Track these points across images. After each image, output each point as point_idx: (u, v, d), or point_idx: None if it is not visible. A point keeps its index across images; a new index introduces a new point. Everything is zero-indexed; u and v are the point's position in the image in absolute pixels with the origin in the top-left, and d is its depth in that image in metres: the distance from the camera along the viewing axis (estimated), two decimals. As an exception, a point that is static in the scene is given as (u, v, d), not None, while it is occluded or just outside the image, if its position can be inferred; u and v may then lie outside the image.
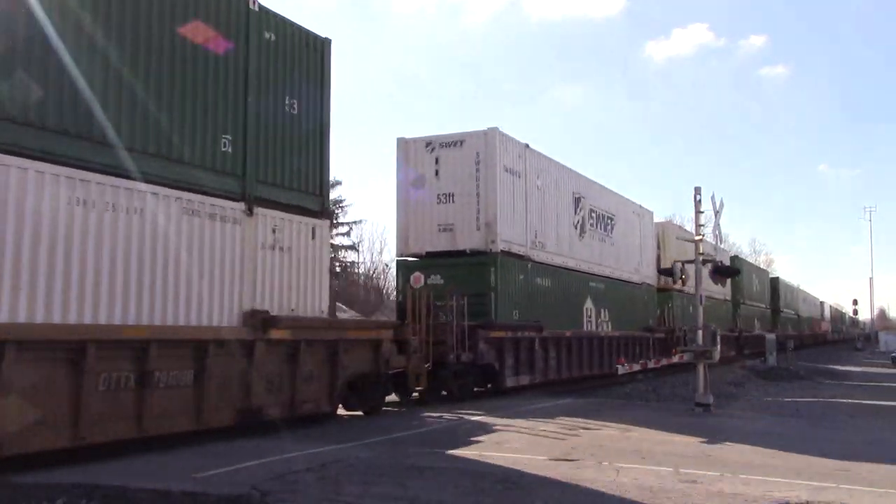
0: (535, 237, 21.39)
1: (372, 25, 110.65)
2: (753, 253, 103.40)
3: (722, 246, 22.02)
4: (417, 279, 19.61)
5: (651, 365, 20.02)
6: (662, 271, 23.33)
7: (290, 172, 12.84)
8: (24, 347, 8.52)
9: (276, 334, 11.78)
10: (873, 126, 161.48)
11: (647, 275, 31.01)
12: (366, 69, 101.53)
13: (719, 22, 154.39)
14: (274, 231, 12.36)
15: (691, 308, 37.93)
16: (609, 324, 26.32)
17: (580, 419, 14.27)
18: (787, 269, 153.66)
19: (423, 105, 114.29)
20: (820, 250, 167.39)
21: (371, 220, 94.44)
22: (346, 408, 14.47)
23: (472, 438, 11.61)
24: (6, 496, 7.34)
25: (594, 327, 25.06)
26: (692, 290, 33.41)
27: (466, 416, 14.43)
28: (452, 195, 19.77)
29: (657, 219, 34.24)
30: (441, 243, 19.79)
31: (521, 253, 20.52)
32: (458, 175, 19.74)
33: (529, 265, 20.83)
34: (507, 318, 19.45)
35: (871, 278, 78.28)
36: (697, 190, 18.61)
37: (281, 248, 12.47)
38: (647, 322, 30.20)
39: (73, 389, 9.02)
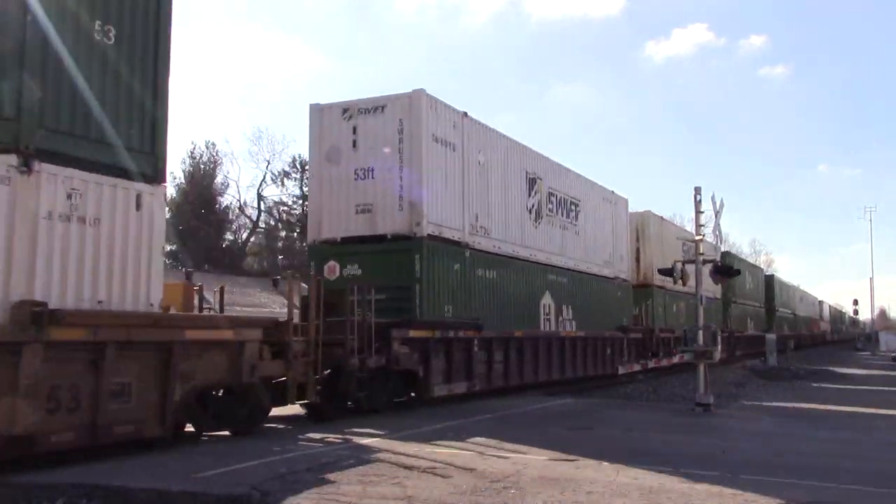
0: (476, 221, 18.30)
1: (372, 25, 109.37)
2: (753, 253, 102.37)
3: (719, 245, 20.77)
4: (332, 269, 16.67)
5: (651, 365, 20.70)
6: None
7: (101, 120, 9.73)
8: None
9: (59, 334, 8.67)
10: (873, 126, 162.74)
11: (622, 269, 27.93)
12: (365, 69, 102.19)
13: (719, 22, 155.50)
14: (70, 196, 9.26)
15: (675, 307, 35.55)
16: (573, 323, 23.23)
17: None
18: (788, 269, 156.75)
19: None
20: (820, 250, 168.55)
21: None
22: (201, 428, 11.42)
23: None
24: (6, 496, 7.33)
25: (553, 326, 21.95)
26: (675, 287, 31.03)
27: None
28: (372, 170, 16.69)
29: (636, 208, 31.25)
30: (359, 227, 16.71)
31: (456, 239, 17.43)
32: (379, 146, 16.67)
33: (467, 253, 17.73)
34: (436, 314, 16.37)
35: (871, 278, 76.06)
36: (697, 190, 18.44)
37: (82, 220, 9.37)
38: (622, 321, 27.09)
39: None
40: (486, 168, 18.93)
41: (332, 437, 11.42)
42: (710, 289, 37.51)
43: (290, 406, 12.87)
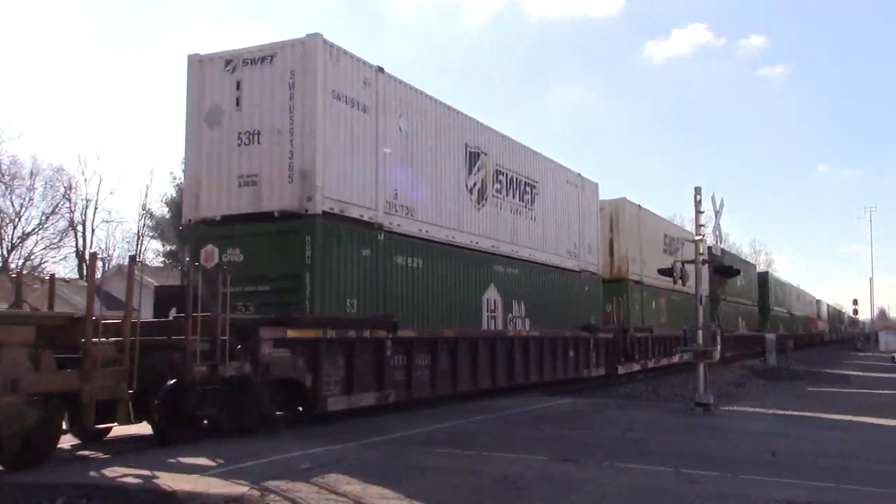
0: (395, 199, 15.27)
1: (371, 26, 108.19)
2: (753, 253, 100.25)
3: (719, 245, 21.46)
4: (209, 255, 13.67)
5: (651, 365, 21.51)
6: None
7: None
8: None
9: None
10: (873, 126, 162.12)
11: (591, 261, 24.89)
12: None
13: (719, 22, 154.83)
14: None
15: (654, 303, 32.53)
16: (526, 321, 20.20)
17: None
18: (788, 270, 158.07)
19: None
20: (820, 250, 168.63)
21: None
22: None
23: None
24: (6, 496, 7.28)
25: (500, 325, 18.92)
26: (655, 283, 28.29)
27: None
28: (258, 134, 13.65)
29: (610, 195, 28.25)
30: (242, 203, 13.68)
31: (366, 219, 14.41)
32: (267, 104, 13.65)
33: (381, 237, 14.70)
34: (336, 309, 13.36)
35: (871, 278, 75.45)
36: (697, 190, 18.42)
37: None
38: (589, 319, 24.06)
39: None
40: (410, 136, 15.89)
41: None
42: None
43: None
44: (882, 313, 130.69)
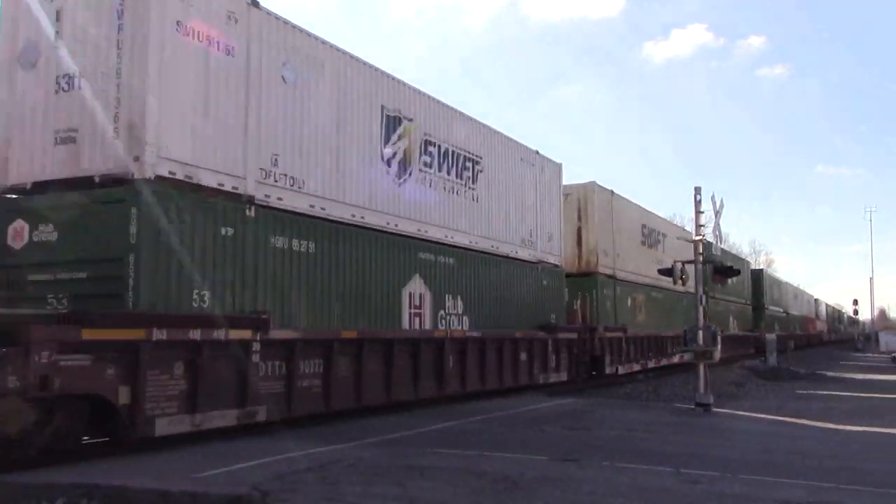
0: (275, 166, 12.21)
1: (370, 27, 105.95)
2: (753, 252, 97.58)
3: (719, 245, 21.91)
4: (18, 233, 10.65)
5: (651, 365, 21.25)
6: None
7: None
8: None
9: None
10: (872, 126, 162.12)
11: (551, 252, 21.87)
12: None
13: (718, 22, 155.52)
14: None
15: (629, 300, 29.52)
16: (463, 319, 17.15)
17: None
18: (788, 269, 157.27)
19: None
20: (820, 250, 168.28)
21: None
22: None
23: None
24: (6, 496, 7.28)
25: (427, 324, 15.85)
26: (630, 277, 25.54)
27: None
28: (79, 77, 10.63)
29: (575, 179, 25.26)
30: (58, 165, 10.66)
31: (229, 188, 11.35)
32: (91, 40, 10.62)
33: (251, 212, 11.63)
34: (174, 302, 10.31)
35: (871, 278, 73.99)
36: (697, 190, 18.46)
37: None
38: (548, 318, 21.03)
39: None
40: (299, 90, 12.83)
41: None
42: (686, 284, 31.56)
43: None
44: (882, 313, 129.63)
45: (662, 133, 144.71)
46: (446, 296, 16.54)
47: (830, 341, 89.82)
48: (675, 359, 29.89)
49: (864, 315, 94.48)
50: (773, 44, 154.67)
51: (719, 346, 17.98)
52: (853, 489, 8.60)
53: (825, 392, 23.10)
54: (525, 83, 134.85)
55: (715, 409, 16.67)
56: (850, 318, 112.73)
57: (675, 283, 19.64)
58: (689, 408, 16.98)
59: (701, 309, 17.89)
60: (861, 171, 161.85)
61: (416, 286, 15.55)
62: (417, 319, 15.54)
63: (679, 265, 18.90)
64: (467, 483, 8.26)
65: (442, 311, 16.38)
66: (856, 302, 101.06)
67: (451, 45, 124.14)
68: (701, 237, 18.46)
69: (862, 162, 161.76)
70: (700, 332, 17.31)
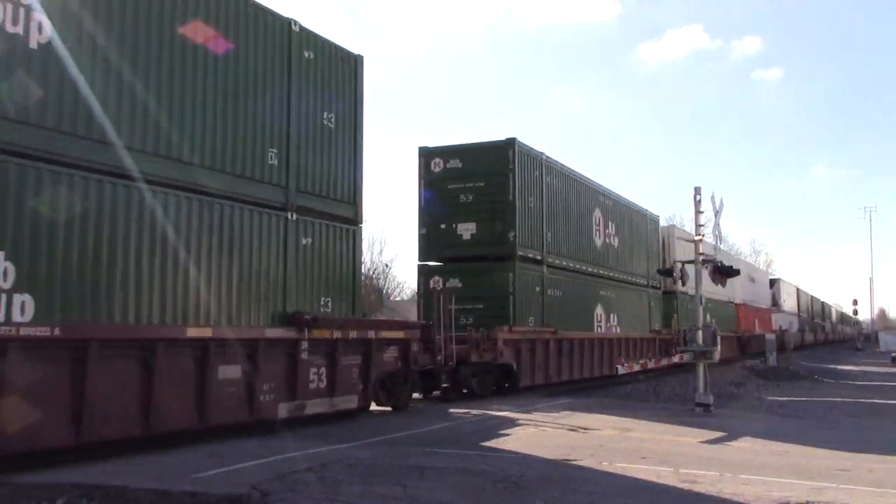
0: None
1: (367, 33, 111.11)
2: (753, 252, 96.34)
3: (719, 245, 21.17)
4: None
5: (651, 365, 20.55)
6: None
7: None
8: None
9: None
10: (868, 127, 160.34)
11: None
12: (365, 70, 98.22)
13: (714, 24, 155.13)
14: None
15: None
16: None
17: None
18: (788, 269, 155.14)
19: (420, 110, 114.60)
20: (819, 251, 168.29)
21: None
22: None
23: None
24: (6, 496, 7.24)
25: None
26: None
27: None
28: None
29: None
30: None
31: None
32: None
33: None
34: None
35: (870, 278, 73.00)
36: (697, 190, 18.42)
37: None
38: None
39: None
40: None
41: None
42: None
43: None
44: (882, 313, 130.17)
45: (659, 134, 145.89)
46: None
47: (823, 342, 75.39)
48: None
49: (864, 315, 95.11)
50: (767, 46, 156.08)
51: (719, 346, 17.95)
52: (853, 489, 8.61)
53: (824, 392, 22.99)
54: (520, 86, 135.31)
55: (715, 409, 16.62)
56: (842, 314, 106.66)
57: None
58: (689, 408, 16.97)
59: (701, 309, 17.83)
60: (856, 172, 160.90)
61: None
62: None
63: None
64: (468, 483, 8.27)
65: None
66: (856, 302, 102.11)
67: (447, 50, 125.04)
68: (701, 237, 18.37)
69: (857, 163, 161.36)
70: (700, 333, 17.32)
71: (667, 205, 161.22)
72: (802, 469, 9.78)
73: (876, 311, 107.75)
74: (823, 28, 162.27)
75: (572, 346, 22.14)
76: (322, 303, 13.25)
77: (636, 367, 19.73)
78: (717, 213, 19.03)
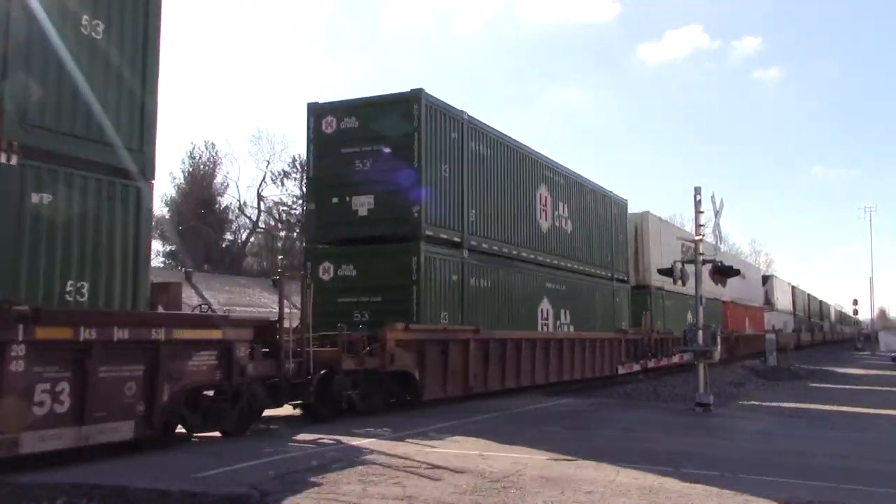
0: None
1: (371, 27, 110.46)
2: (753, 253, 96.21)
3: (719, 245, 20.74)
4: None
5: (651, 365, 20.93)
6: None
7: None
8: None
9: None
10: (866, 128, 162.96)
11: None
12: (364, 71, 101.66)
13: (712, 25, 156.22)
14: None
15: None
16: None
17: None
18: (787, 270, 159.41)
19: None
20: (819, 251, 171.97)
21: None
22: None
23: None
24: (6, 496, 7.28)
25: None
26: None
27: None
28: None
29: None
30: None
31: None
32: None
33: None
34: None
35: (870, 278, 74.25)
36: (697, 190, 18.39)
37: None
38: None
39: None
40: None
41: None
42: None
43: None
44: (882, 313, 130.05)
45: (659, 134, 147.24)
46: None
47: (815, 343, 69.94)
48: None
49: (864, 315, 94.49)
50: (768, 45, 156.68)
51: (719, 346, 17.87)
52: (853, 489, 8.58)
53: (824, 392, 22.98)
54: (520, 85, 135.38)
55: (715, 409, 16.58)
56: (840, 312, 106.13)
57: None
58: (689, 408, 16.91)
59: (701, 309, 17.73)
60: (855, 172, 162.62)
61: None
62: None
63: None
64: (468, 482, 8.21)
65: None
66: (856, 302, 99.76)
67: (447, 49, 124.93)
68: (701, 237, 18.25)
69: (856, 163, 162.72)
70: (700, 333, 17.23)
71: (667, 205, 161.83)
72: (803, 468, 9.74)
73: (876, 311, 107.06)
74: (823, 28, 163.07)
75: (504, 348, 18.02)
76: (72, 288, 9.46)
77: (576, 376, 19.29)
78: (717, 213, 18.90)
